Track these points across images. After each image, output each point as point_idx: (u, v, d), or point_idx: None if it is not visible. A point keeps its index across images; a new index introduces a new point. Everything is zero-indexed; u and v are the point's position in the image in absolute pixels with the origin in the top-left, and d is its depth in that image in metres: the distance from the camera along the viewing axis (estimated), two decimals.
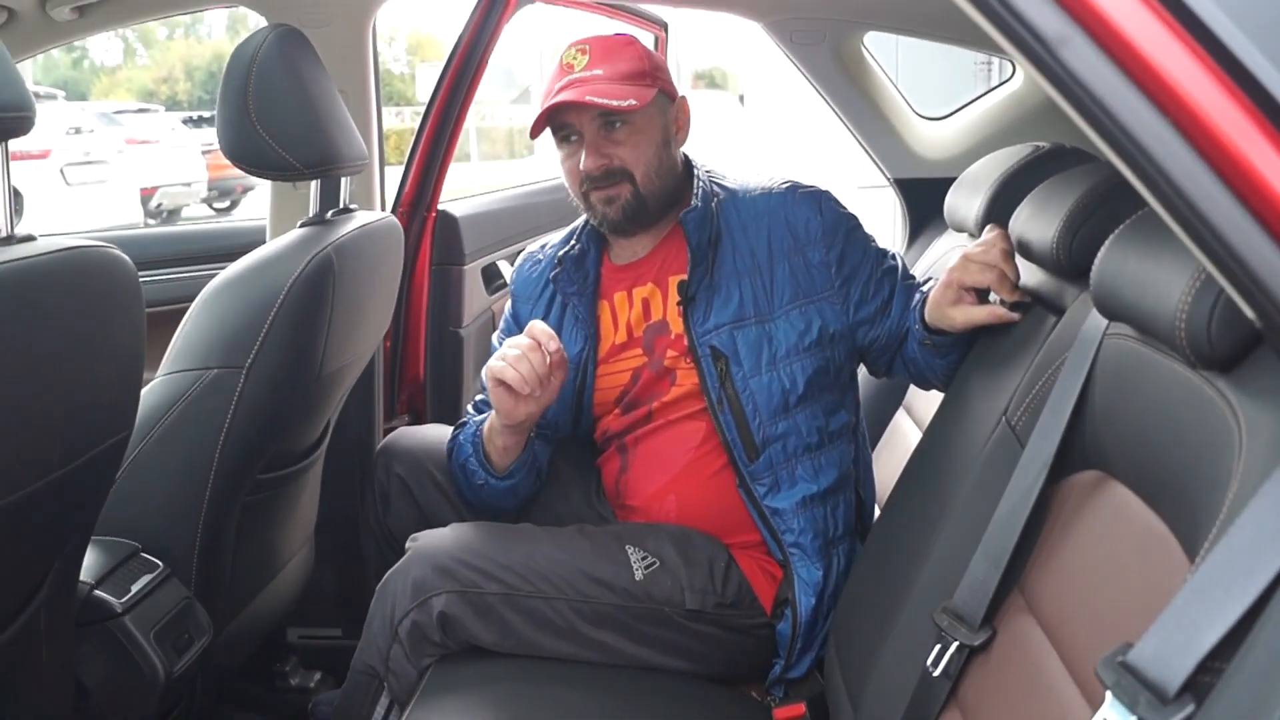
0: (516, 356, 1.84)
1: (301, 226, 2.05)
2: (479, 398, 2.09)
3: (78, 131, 12.17)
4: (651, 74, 1.95)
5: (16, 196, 1.42)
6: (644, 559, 1.89)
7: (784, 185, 2.03)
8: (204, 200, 14.56)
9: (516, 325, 2.09)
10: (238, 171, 2.16)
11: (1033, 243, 1.65)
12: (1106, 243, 1.20)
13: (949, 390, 1.88)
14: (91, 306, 1.39)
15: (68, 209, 10.65)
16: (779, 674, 1.92)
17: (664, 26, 3.69)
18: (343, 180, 2.18)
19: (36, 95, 1.33)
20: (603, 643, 1.86)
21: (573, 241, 2.08)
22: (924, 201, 3.13)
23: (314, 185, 2.12)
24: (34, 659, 1.50)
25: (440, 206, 2.95)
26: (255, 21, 2.65)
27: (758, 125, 8.86)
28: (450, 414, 2.83)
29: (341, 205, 2.20)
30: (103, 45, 31.41)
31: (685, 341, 1.97)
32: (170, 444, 1.81)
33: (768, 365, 1.93)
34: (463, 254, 2.98)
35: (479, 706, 1.73)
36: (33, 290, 1.28)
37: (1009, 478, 1.35)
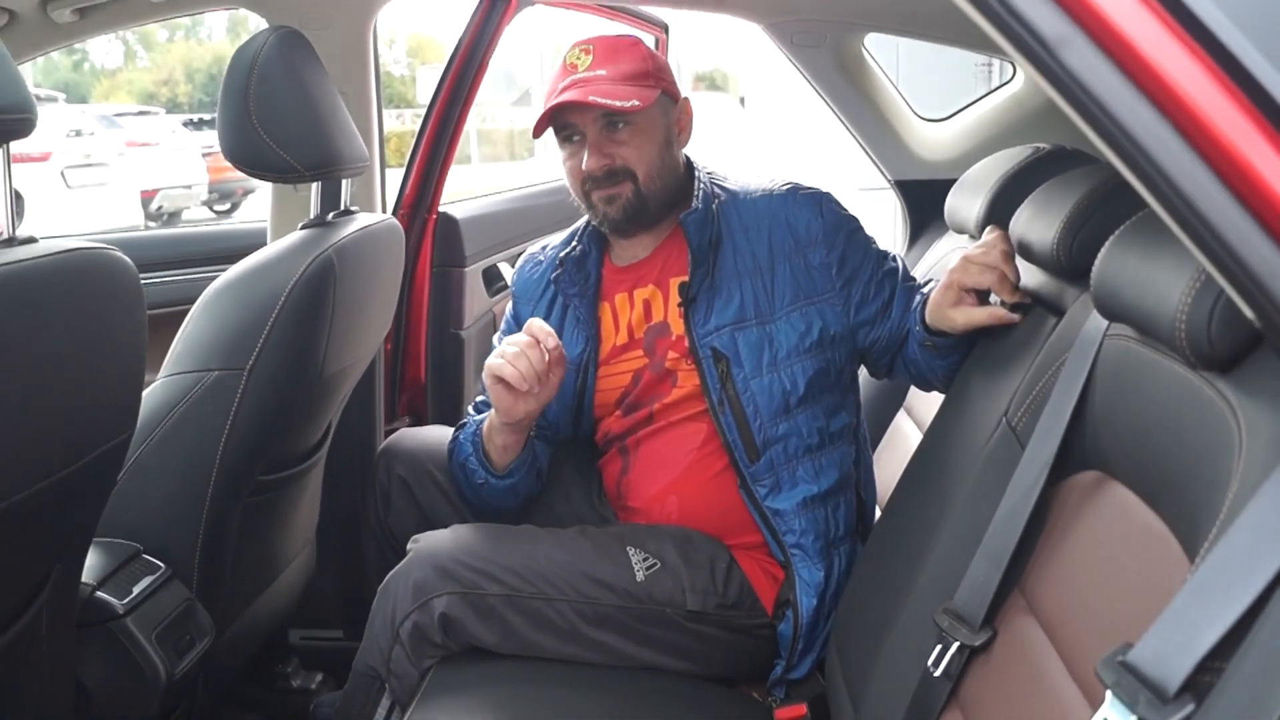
0: (515, 354, 1.84)
1: (302, 228, 2.05)
2: (479, 398, 2.09)
3: (78, 134, 12.16)
4: (655, 75, 1.96)
5: (17, 199, 1.42)
6: (645, 560, 1.89)
7: (785, 187, 2.03)
8: (204, 203, 14.56)
9: (517, 326, 2.08)
10: (238, 174, 2.16)
11: (1033, 244, 1.65)
12: (1107, 244, 1.21)
13: (950, 391, 1.88)
14: (93, 308, 1.39)
15: (68, 211, 10.63)
16: (780, 675, 1.92)
17: (665, 28, 3.69)
18: (344, 182, 2.19)
19: (37, 98, 1.32)
20: (604, 644, 1.86)
21: (574, 243, 2.08)
22: (924, 203, 3.13)
23: (315, 187, 2.12)
24: (35, 660, 1.50)
25: (441, 208, 2.95)
26: (256, 24, 2.65)
27: (758, 127, 8.85)
28: (451, 416, 2.83)
29: (342, 207, 2.20)
30: (103, 48, 31.52)
31: (686, 343, 1.97)
32: (171, 446, 1.81)
33: (769, 366, 1.93)
34: (463, 256, 2.98)
35: (480, 708, 1.73)
36: (34, 291, 1.28)
37: (1009, 478, 1.36)
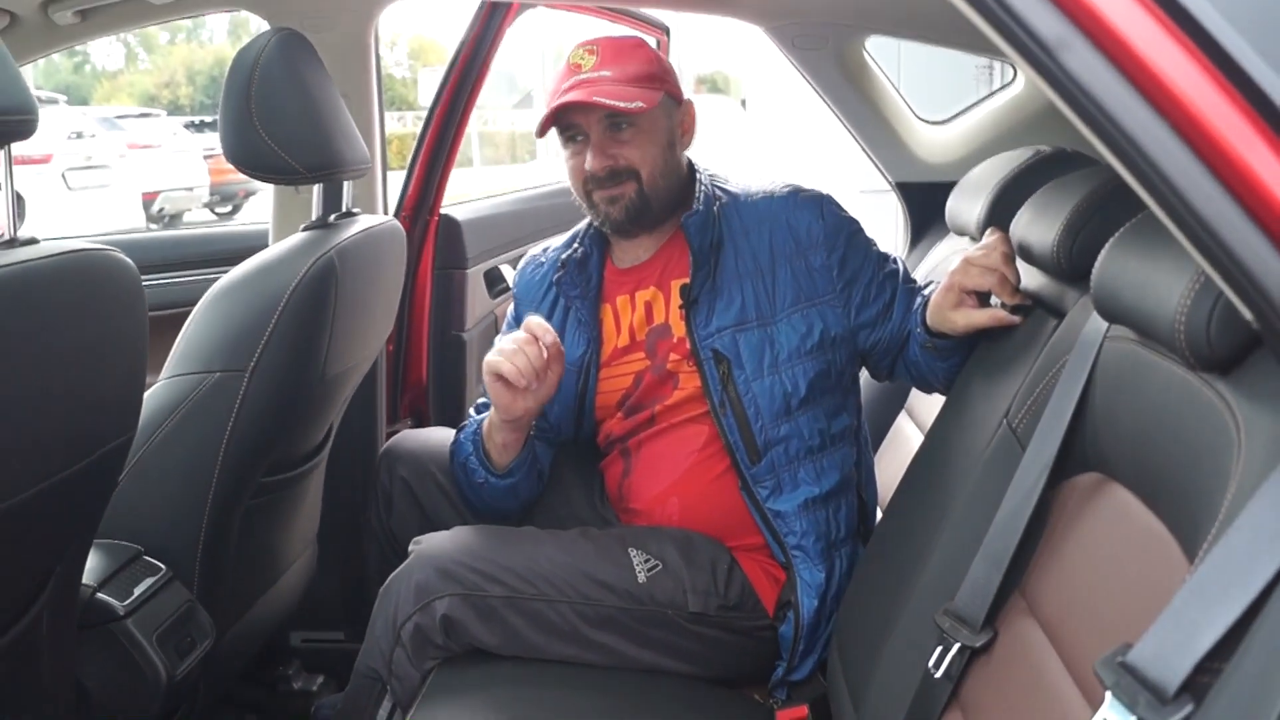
0: (513, 350, 1.85)
1: (304, 230, 2.05)
2: (481, 400, 2.10)
3: (79, 136, 12.17)
4: (659, 77, 1.96)
5: (19, 200, 1.42)
6: (646, 561, 1.89)
7: (786, 189, 2.04)
8: (206, 205, 14.55)
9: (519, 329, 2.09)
10: (240, 176, 2.16)
11: (1033, 246, 1.66)
12: (1106, 246, 1.21)
13: (950, 393, 1.89)
14: (94, 309, 1.40)
15: (69, 214, 10.63)
16: (781, 676, 1.92)
17: (666, 31, 3.69)
18: (345, 184, 2.19)
19: (38, 100, 1.33)
20: (605, 645, 1.86)
21: (575, 245, 2.09)
22: (926, 205, 3.13)
23: (316, 189, 2.13)
24: (36, 662, 1.50)
25: (443, 210, 2.95)
26: (257, 25, 2.65)
27: (760, 130, 8.85)
28: (453, 417, 2.84)
29: (344, 209, 2.20)
30: (104, 50, 31.58)
31: (687, 345, 1.97)
32: (173, 447, 1.81)
33: (770, 368, 1.94)
34: (465, 258, 2.99)
35: (482, 709, 1.73)
36: (36, 292, 1.28)
37: (1010, 480, 1.36)
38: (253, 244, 2.33)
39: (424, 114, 2.99)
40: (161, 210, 13.21)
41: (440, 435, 2.19)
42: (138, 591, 1.73)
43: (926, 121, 3.29)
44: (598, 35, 2.00)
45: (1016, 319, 1.74)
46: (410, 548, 1.92)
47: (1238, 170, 0.79)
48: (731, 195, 2.04)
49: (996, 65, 5.17)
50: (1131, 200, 0.90)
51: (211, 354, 1.84)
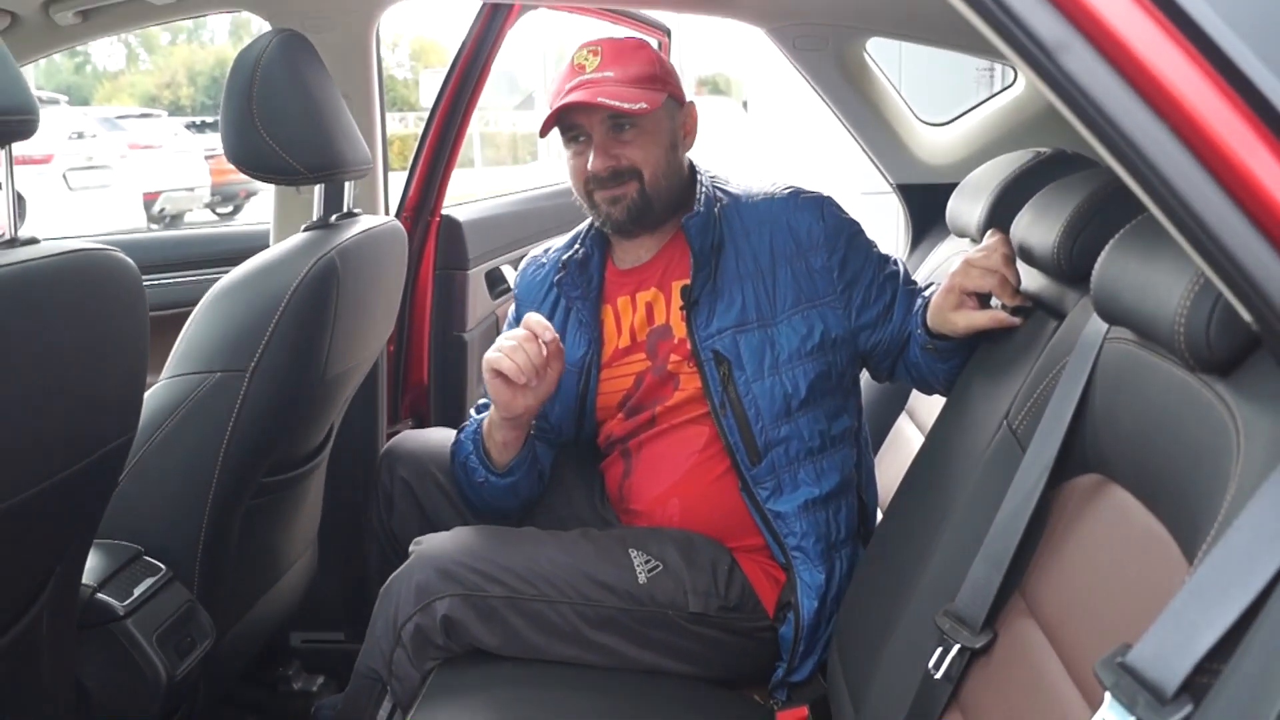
0: (512, 347, 1.85)
1: (305, 231, 2.05)
2: (481, 400, 2.09)
3: (80, 136, 12.18)
4: (662, 78, 1.97)
5: (20, 200, 1.42)
6: (647, 562, 1.89)
7: (786, 191, 2.04)
8: (207, 205, 14.55)
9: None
10: (241, 177, 2.16)
11: (1034, 248, 1.66)
12: (1106, 248, 1.21)
13: (951, 395, 1.89)
14: (95, 309, 1.40)
15: (70, 214, 10.64)
16: (781, 677, 1.92)
17: (667, 32, 3.69)
18: (346, 184, 2.19)
19: (39, 100, 1.33)
20: (606, 646, 1.87)
21: (577, 246, 2.09)
22: (926, 207, 3.13)
23: (318, 189, 2.13)
24: (36, 662, 1.50)
25: (444, 211, 2.96)
26: (259, 26, 2.65)
27: (761, 131, 8.86)
28: (454, 418, 2.84)
29: (345, 209, 2.20)
30: (105, 50, 31.54)
31: (688, 346, 1.98)
32: (174, 447, 1.81)
33: (770, 369, 1.94)
34: (466, 259, 2.99)
35: (482, 710, 1.73)
36: (36, 292, 1.28)
37: (1010, 481, 1.36)
38: (254, 244, 2.34)
39: (425, 115, 2.99)
40: (163, 211, 13.21)
41: (441, 436, 2.19)
42: (138, 592, 1.73)
43: (927, 123, 3.29)
44: (600, 36, 2.00)
45: (1017, 320, 1.74)
46: (411, 548, 1.92)
47: (1237, 172, 0.79)
48: (732, 196, 2.04)
49: (997, 68, 5.18)
50: (1131, 202, 0.90)
51: (212, 354, 1.84)
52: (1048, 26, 0.82)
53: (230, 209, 15.01)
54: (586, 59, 1.95)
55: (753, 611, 1.93)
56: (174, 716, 1.85)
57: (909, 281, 2.04)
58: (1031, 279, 1.75)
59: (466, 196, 3.60)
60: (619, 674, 1.87)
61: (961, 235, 2.31)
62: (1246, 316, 0.84)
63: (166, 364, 1.86)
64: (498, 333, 2.40)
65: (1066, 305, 1.58)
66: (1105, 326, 1.28)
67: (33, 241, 1.34)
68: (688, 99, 2.05)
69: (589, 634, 1.86)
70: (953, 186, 2.34)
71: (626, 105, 1.89)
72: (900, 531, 1.77)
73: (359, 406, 2.48)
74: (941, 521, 1.55)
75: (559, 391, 1.99)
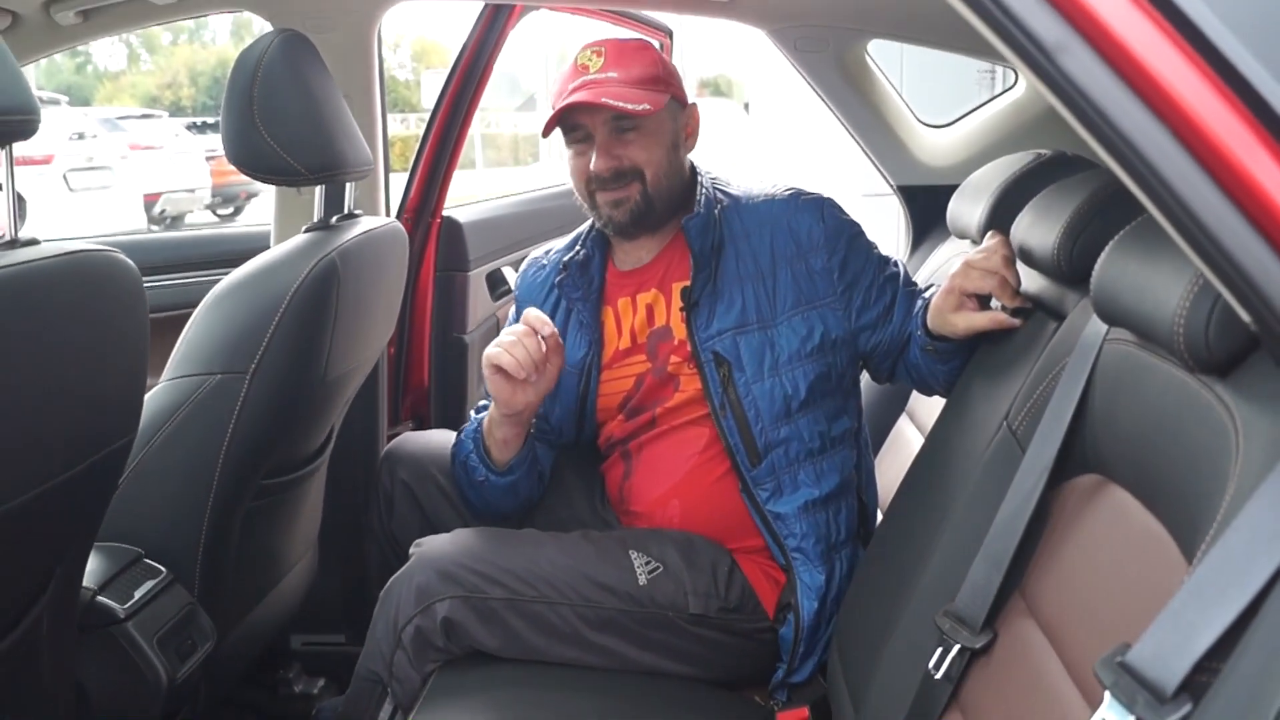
0: (512, 342, 1.86)
1: (306, 232, 2.05)
2: (481, 401, 2.10)
3: (81, 137, 12.18)
4: (665, 79, 1.97)
5: (20, 201, 1.42)
6: (647, 564, 1.89)
7: (787, 192, 2.04)
8: (208, 206, 14.54)
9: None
10: (242, 178, 2.16)
11: (1034, 249, 1.66)
12: (1106, 249, 1.21)
13: (951, 396, 1.89)
14: (95, 310, 1.40)
15: (71, 215, 10.64)
16: (782, 678, 1.92)
17: (669, 34, 3.69)
18: (347, 186, 2.19)
19: (40, 100, 1.33)
20: (606, 647, 1.87)
21: (577, 247, 2.09)
22: (927, 209, 3.13)
23: (318, 190, 2.13)
24: (36, 664, 1.50)
25: (445, 212, 2.96)
26: (260, 27, 2.66)
27: (762, 133, 8.87)
28: (454, 420, 2.84)
29: (346, 211, 2.20)
30: (106, 50, 31.53)
31: (688, 347, 1.98)
32: (174, 449, 1.81)
33: (770, 371, 1.94)
34: (467, 260, 2.99)
35: (483, 711, 1.73)
36: (36, 293, 1.28)
37: (1010, 482, 1.36)
38: (254, 245, 2.34)
39: (426, 116, 2.99)
40: (163, 211, 13.21)
41: (441, 438, 2.19)
42: (138, 594, 1.73)
43: (928, 125, 3.29)
44: (603, 37, 2.00)
45: (1017, 321, 1.74)
46: (411, 550, 1.92)
47: (1235, 174, 0.79)
48: (733, 198, 2.04)
49: (998, 70, 5.18)
50: (1131, 203, 0.90)
51: (213, 356, 1.84)
52: (1047, 28, 0.83)
53: (231, 210, 15.00)
54: (590, 59, 1.95)
55: (753, 613, 1.94)
56: (175, 719, 1.85)
57: (909, 283, 2.04)
58: (1031, 280, 1.75)
59: (467, 198, 3.60)
60: (619, 675, 1.87)
61: (962, 237, 2.31)
62: (1245, 317, 0.84)
63: (167, 366, 1.86)
64: (498, 334, 2.40)
65: (1066, 306, 1.58)
66: (1105, 327, 1.28)
67: (33, 242, 1.34)
68: (690, 100, 2.05)
69: (589, 635, 1.86)
70: (953, 188, 2.34)
71: (630, 106, 1.89)
72: (900, 532, 1.77)
73: (359, 408, 2.48)
74: (941, 522, 1.55)
75: (559, 393, 1.99)
